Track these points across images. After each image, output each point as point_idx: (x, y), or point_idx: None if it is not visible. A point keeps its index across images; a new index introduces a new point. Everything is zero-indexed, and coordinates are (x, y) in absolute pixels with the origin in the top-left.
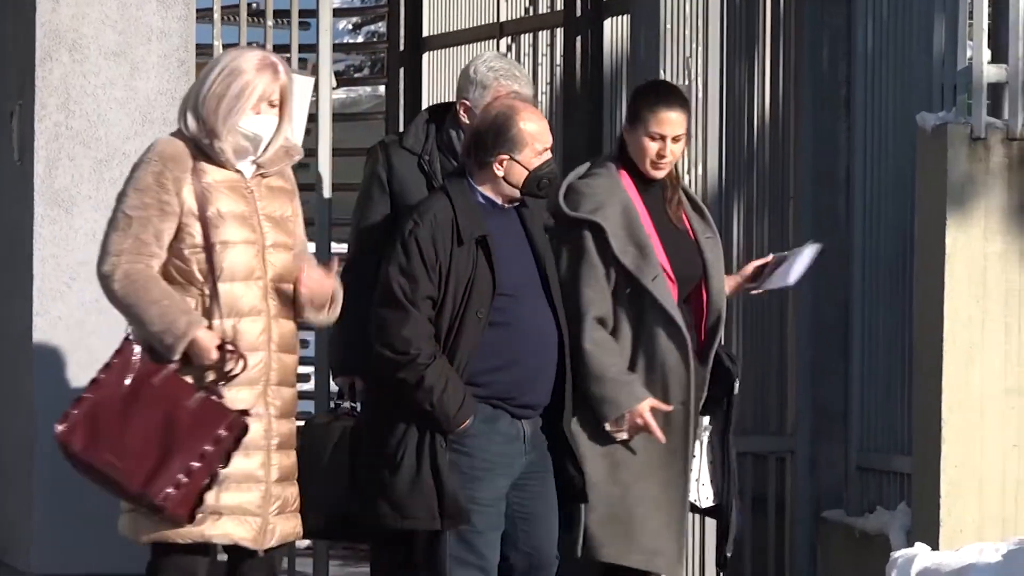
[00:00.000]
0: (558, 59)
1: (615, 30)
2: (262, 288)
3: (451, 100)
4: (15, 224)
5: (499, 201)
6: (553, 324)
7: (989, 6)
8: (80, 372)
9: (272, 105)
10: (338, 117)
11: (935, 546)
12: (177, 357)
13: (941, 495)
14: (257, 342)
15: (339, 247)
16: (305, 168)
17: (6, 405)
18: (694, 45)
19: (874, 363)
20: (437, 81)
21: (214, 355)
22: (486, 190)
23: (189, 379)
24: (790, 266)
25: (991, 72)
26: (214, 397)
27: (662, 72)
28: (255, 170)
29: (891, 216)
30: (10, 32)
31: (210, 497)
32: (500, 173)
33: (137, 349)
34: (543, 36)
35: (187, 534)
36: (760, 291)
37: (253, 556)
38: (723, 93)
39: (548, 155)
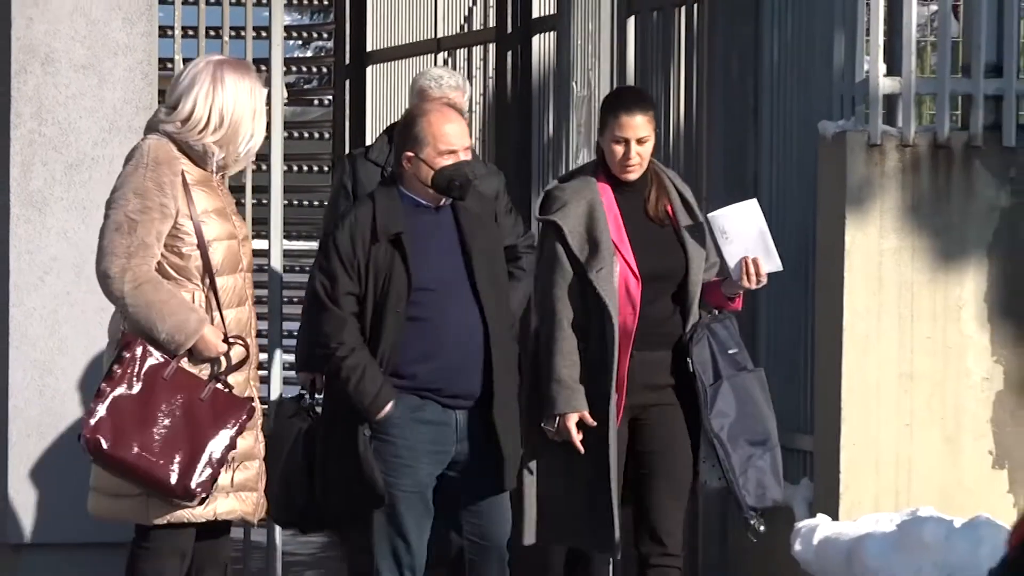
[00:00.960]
0: (491, 73)
1: (543, 46)
2: (244, 279)
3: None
4: None
5: (425, 201)
6: (479, 318)
7: (884, 23)
8: (53, 357)
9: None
10: (288, 125)
11: (835, 517)
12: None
13: (840, 471)
14: (245, 329)
15: (289, 244)
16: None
17: None
18: (594, 60)
19: (780, 352)
20: (379, 92)
21: (222, 348)
22: (409, 190)
23: (195, 371)
24: (757, 246)
25: (886, 84)
26: (224, 388)
27: (573, 85)
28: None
29: (795, 216)
30: None
31: (222, 478)
32: (409, 170)
33: (140, 345)
34: (477, 51)
35: (202, 514)
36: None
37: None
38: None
39: (460, 157)
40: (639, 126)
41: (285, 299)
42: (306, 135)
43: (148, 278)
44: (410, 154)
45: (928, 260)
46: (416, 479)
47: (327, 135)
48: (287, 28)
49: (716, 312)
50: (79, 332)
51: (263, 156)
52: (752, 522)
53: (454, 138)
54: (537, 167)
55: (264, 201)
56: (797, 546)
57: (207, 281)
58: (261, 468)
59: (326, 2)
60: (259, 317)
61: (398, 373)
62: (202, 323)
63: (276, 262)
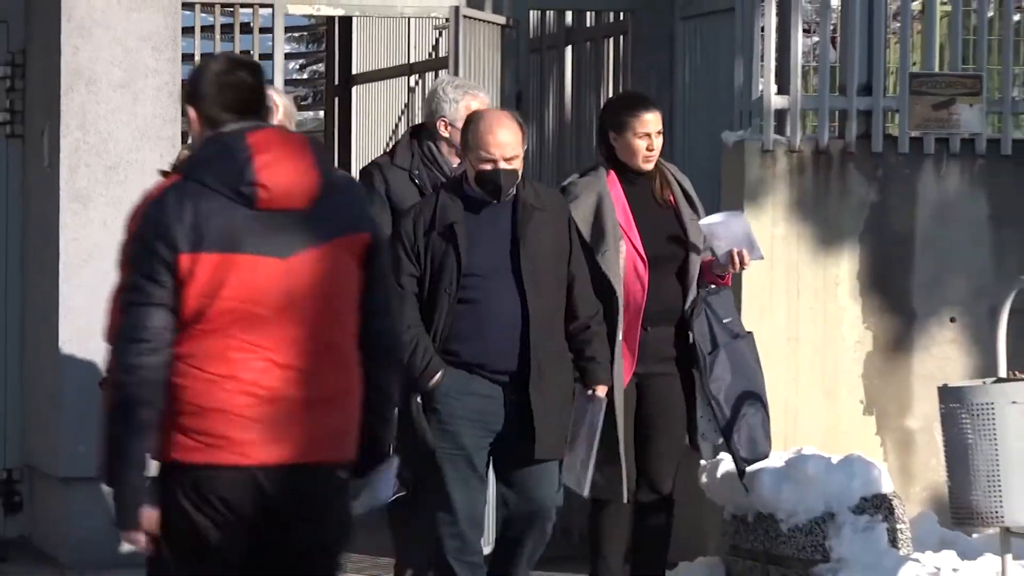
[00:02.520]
0: None
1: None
2: None
3: (421, 122)
4: (46, 215)
5: (482, 195)
6: (520, 303)
7: (775, 51)
8: (93, 324)
9: None
10: None
11: None
12: None
13: None
14: None
15: None
16: None
17: (40, 345)
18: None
19: None
20: (363, 108)
21: None
22: (469, 184)
23: None
24: (742, 242)
25: (777, 101)
26: None
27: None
28: None
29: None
30: (41, 71)
31: None
32: (466, 167)
33: None
34: (443, 74)
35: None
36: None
37: None
38: (578, 122)
39: (500, 165)
40: (657, 121)
41: None
42: None
43: None
44: (464, 154)
45: (811, 245)
46: (458, 443)
47: (321, 142)
48: (287, 55)
49: (711, 287)
50: None
51: None
52: (743, 477)
53: (495, 148)
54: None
55: None
56: (704, 479)
57: None
58: None
59: (319, 33)
60: None
61: (448, 349)
62: None
63: None
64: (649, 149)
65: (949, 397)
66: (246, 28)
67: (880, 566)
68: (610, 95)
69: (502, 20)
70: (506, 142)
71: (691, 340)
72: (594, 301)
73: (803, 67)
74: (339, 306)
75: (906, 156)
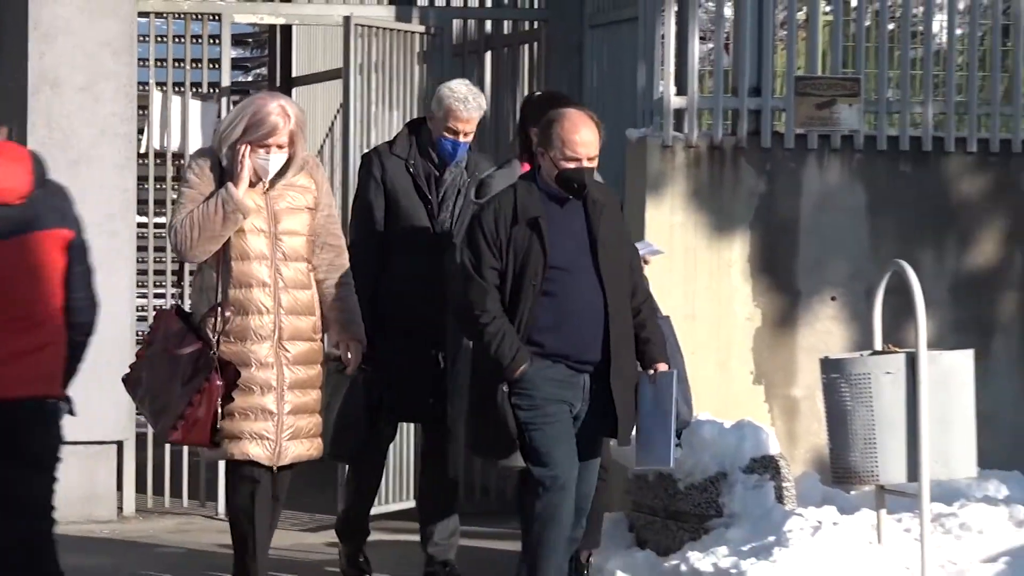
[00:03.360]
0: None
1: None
2: (271, 266)
3: (420, 117)
4: None
5: (559, 191)
6: (601, 296)
7: (675, 56)
8: None
9: (280, 147)
10: None
11: None
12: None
13: None
14: (265, 306)
15: None
16: None
17: None
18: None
19: None
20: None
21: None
22: (543, 181)
23: (196, 338)
24: (641, 247)
25: (676, 101)
26: (209, 352)
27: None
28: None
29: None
30: (9, 74)
31: (235, 426)
32: (543, 163)
33: (172, 315)
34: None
35: (221, 454)
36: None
37: (272, 472)
38: (497, 120)
39: (584, 163)
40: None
41: None
42: None
43: (193, 215)
44: (542, 151)
45: (706, 231)
46: (549, 412)
47: None
48: (234, 60)
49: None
50: None
51: None
52: (677, 445)
53: (580, 147)
54: None
55: None
56: (612, 443)
57: (224, 264)
58: (287, 422)
59: (263, 39)
60: None
61: (531, 339)
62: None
63: None
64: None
65: (830, 368)
66: (197, 35)
67: (768, 520)
68: (486, 102)
69: (421, 28)
70: (589, 141)
71: None
72: (645, 287)
73: (699, 71)
74: (41, 283)
75: (792, 151)
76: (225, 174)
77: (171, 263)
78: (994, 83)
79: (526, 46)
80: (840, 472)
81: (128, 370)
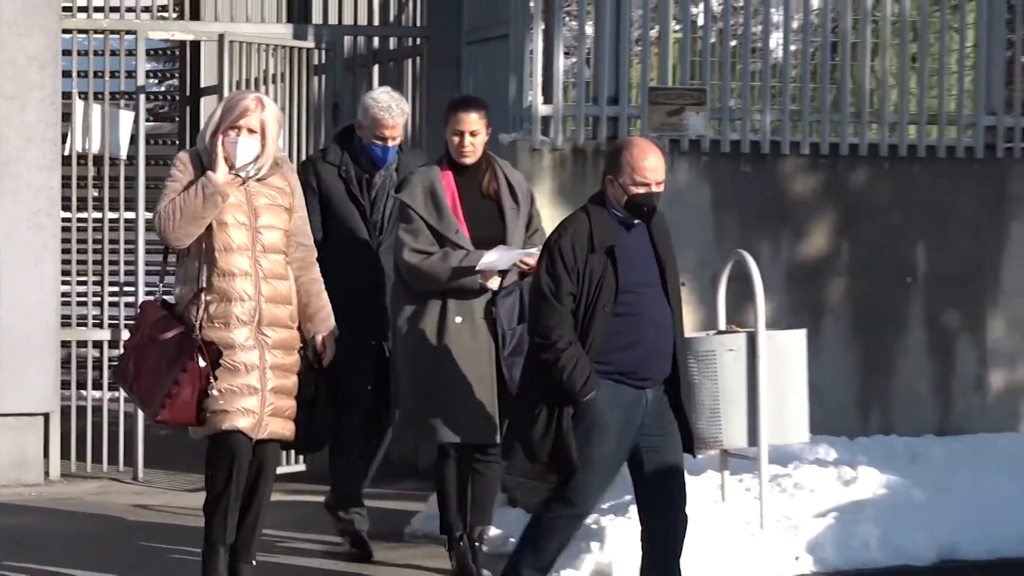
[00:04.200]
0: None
1: (319, 85)
2: (251, 257)
3: (347, 125)
4: None
5: (627, 216)
6: (668, 314)
7: (542, 69)
8: None
9: (251, 131)
10: (149, 135)
11: None
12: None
13: None
14: (246, 294)
15: (147, 215)
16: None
17: None
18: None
19: None
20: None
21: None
22: (612, 206)
23: (178, 325)
24: (516, 254)
25: (543, 109)
26: (191, 335)
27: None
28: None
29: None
30: None
31: (224, 403)
32: (610, 190)
33: (154, 306)
34: (271, 88)
35: (210, 428)
36: None
37: (262, 445)
38: None
39: (653, 189)
40: (472, 121)
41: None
42: (162, 142)
43: (176, 202)
44: (611, 177)
45: None
46: (605, 450)
47: (175, 142)
48: (149, 71)
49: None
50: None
51: (133, 156)
52: None
53: (650, 173)
54: None
55: (133, 186)
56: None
57: (208, 255)
58: (269, 399)
59: (175, 53)
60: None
61: (600, 360)
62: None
63: (141, 227)
64: (462, 145)
65: None
66: (116, 50)
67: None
68: (414, 111)
69: (311, 44)
70: (657, 167)
71: (493, 314)
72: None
73: (563, 82)
74: None
75: None
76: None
77: (92, 253)
78: (823, 93)
79: (410, 60)
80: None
81: (118, 363)
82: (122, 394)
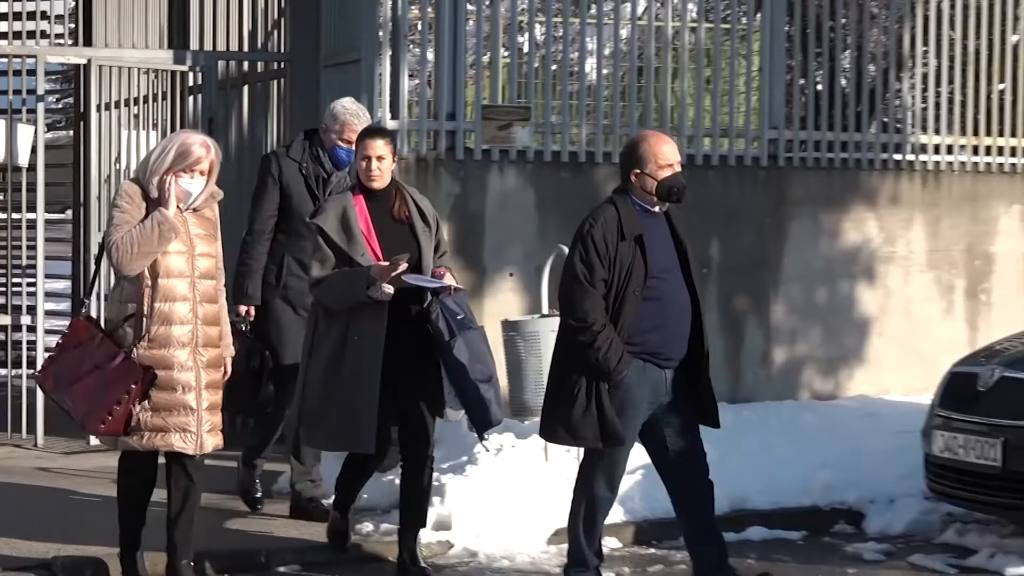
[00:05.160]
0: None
1: (196, 103)
2: (190, 283)
3: (314, 128)
4: None
5: (648, 206)
6: (689, 297)
7: (389, 89)
8: None
9: (202, 173)
10: (48, 147)
11: None
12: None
13: None
14: (186, 317)
15: (48, 215)
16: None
17: None
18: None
19: None
20: (101, 130)
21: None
22: (637, 198)
23: (116, 345)
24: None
25: (390, 124)
26: (131, 358)
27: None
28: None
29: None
30: None
31: (159, 420)
32: (636, 183)
33: (85, 325)
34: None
35: (146, 445)
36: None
37: (191, 458)
38: (252, 139)
39: (675, 169)
40: (379, 147)
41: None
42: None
43: (130, 235)
44: (636, 171)
45: None
46: (635, 425)
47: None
48: (48, 91)
49: (448, 292)
50: None
51: (34, 164)
52: (484, 439)
53: (670, 155)
54: None
55: (34, 189)
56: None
57: (151, 280)
58: (205, 417)
59: (71, 74)
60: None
61: (630, 340)
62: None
63: (40, 226)
64: (369, 169)
65: (509, 328)
66: (17, 71)
67: (463, 444)
68: (277, 126)
69: (186, 68)
70: (675, 151)
71: (431, 331)
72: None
73: (408, 101)
74: None
75: (479, 162)
76: (151, 201)
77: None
78: (631, 110)
79: (275, 82)
80: (516, 407)
81: (39, 371)
82: (24, 370)
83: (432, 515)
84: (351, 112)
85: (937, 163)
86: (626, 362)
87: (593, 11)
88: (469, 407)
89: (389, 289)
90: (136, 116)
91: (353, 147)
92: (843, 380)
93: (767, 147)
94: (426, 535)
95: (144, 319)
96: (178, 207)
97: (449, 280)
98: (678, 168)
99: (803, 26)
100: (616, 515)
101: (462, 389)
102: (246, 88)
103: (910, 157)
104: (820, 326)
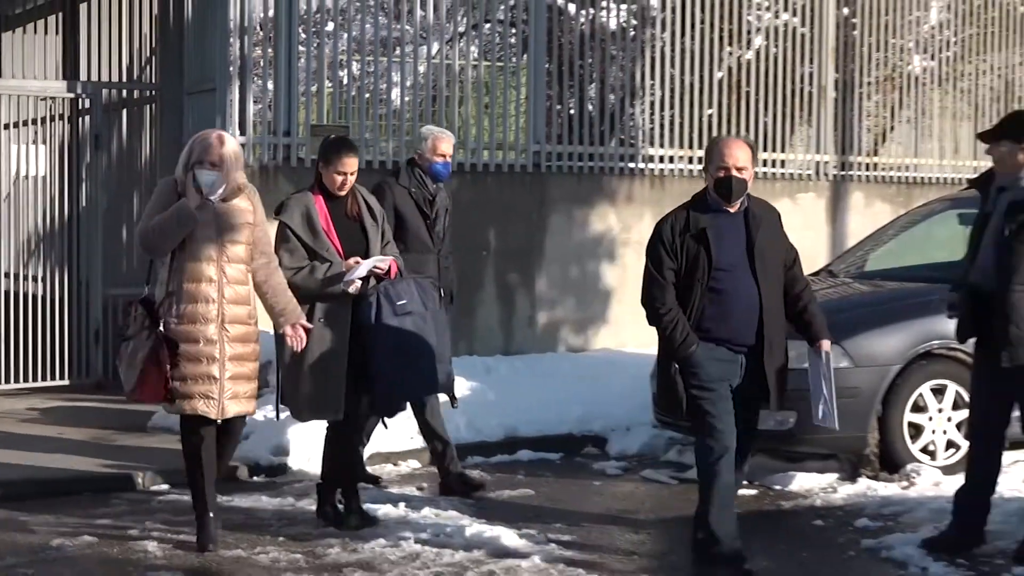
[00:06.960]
0: (65, 139)
1: (83, 124)
2: (217, 266)
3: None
4: None
5: (723, 204)
6: (756, 291)
7: (239, 110)
8: None
9: (213, 164)
10: None
11: None
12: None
13: None
14: (211, 296)
15: None
16: None
17: None
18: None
19: None
20: (10, 147)
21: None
22: (711, 197)
23: (152, 322)
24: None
25: (240, 140)
26: (158, 332)
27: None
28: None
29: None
30: None
31: (188, 388)
32: (706, 181)
33: (132, 305)
34: (56, 125)
35: (178, 409)
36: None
37: (231, 420)
38: (131, 156)
39: (732, 172)
40: (353, 164)
41: None
42: None
43: (156, 221)
44: (706, 173)
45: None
46: (716, 391)
47: None
48: None
49: (389, 279)
50: None
51: None
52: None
53: (728, 159)
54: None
55: None
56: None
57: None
58: (227, 385)
59: None
60: None
61: (700, 326)
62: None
63: None
64: (344, 183)
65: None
66: None
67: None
68: (151, 143)
69: (73, 95)
70: (737, 154)
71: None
72: (804, 277)
73: (253, 121)
74: None
75: (309, 168)
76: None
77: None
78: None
79: (148, 106)
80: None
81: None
82: None
83: (273, 444)
84: (436, 129)
85: (662, 170)
86: (693, 340)
87: (398, 52)
88: (375, 390)
89: (358, 283)
90: (36, 133)
91: (447, 160)
92: (591, 336)
93: (532, 158)
94: (267, 459)
95: (173, 298)
96: (206, 199)
97: (394, 268)
98: (737, 173)
99: (559, 64)
100: (418, 441)
101: (377, 371)
102: (125, 111)
103: (641, 165)
104: (574, 295)
